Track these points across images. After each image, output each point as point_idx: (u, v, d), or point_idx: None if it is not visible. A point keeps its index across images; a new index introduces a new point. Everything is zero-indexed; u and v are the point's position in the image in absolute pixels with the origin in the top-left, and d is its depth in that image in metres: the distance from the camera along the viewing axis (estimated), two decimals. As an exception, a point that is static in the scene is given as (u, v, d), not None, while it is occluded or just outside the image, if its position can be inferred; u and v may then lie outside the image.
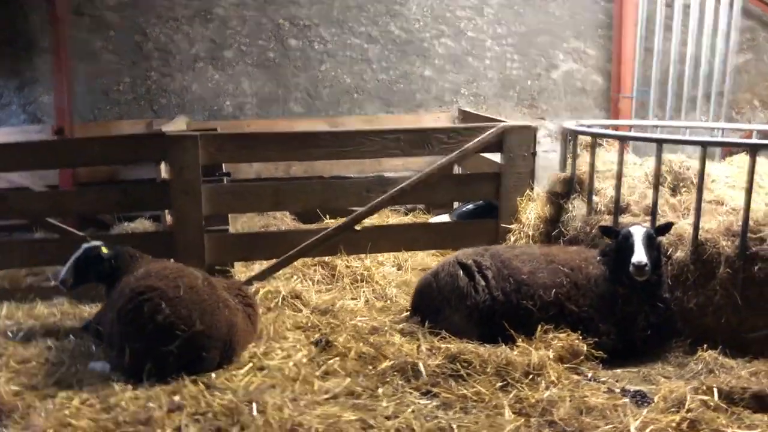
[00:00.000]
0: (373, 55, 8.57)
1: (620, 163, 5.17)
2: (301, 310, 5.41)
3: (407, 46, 8.61)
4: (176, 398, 4.01)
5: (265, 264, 5.99)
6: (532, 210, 6.02)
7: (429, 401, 3.93)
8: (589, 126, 6.55)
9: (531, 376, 4.10)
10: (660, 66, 8.38)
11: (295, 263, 6.05)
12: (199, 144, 5.50)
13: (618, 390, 4.11)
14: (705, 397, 3.87)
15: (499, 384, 4.07)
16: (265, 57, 8.41)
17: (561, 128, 6.06)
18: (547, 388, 3.98)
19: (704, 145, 4.75)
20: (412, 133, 5.94)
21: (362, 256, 6.13)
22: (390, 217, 8.17)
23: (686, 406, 3.74)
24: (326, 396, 4.03)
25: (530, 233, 5.89)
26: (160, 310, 4.28)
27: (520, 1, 8.69)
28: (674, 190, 5.61)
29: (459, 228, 6.49)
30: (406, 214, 8.34)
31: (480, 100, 8.79)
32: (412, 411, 3.79)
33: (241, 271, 6.25)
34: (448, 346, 4.43)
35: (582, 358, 4.40)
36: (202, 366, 4.35)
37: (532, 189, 6.13)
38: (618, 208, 5.22)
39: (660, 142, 4.94)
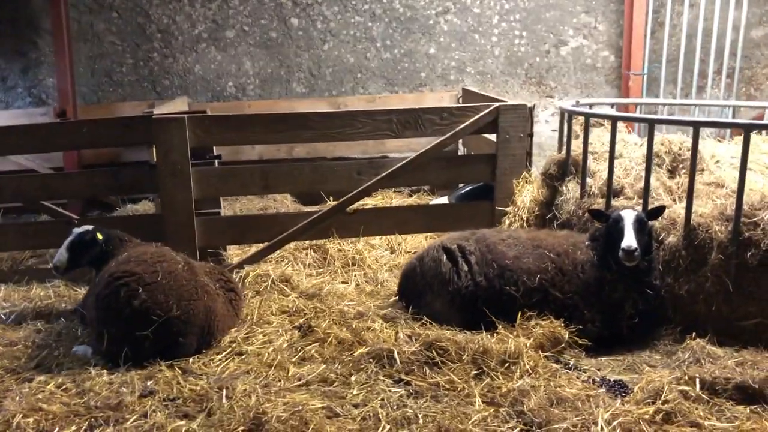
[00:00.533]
0: (377, 34, 8.43)
1: (612, 143, 5.00)
2: (289, 294, 5.39)
3: (412, 23, 8.44)
4: (149, 383, 4.03)
5: (255, 247, 5.96)
6: (528, 193, 5.89)
7: (400, 389, 3.87)
8: (590, 106, 6.40)
9: (507, 365, 4.02)
10: (671, 41, 8.09)
11: (288, 247, 6.02)
12: (187, 126, 5.47)
13: (598, 379, 4.00)
14: (686, 388, 3.75)
15: (474, 372, 4.00)
16: (267, 37, 8.34)
17: (558, 108, 5.89)
18: (521, 377, 3.89)
19: (696, 125, 4.55)
20: (404, 114, 5.82)
21: (355, 239, 6.06)
22: (393, 199, 8.11)
23: (663, 398, 3.62)
24: (299, 383, 4.01)
25: (525, 216, 5.76)
26: (136, 295, 4.29)
27: (527, -25, 8.46)
28: (672, 172, 5.43)
29: (453, 210, 6.39)
30: (410, 195, 8.26)
31: (486, 78, 8.60)
32: (382, 399, 3.74)
33: (236, 254, 6.26)
34: (427, 332, 4.35)
35: (563, 345, 4.30)
36: (179, 351, 4.36)
37: (529, 171, 5.99)
38: (610, 190, 5.06)
39: (652, 122, 4.76)
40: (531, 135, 6.07)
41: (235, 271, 5.69)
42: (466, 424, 3.42)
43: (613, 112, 6.49)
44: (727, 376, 3.83)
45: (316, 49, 8.40)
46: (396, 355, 4.11)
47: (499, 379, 3.90)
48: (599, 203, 5.10)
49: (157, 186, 5.55)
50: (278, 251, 5.96)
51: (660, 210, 4.64)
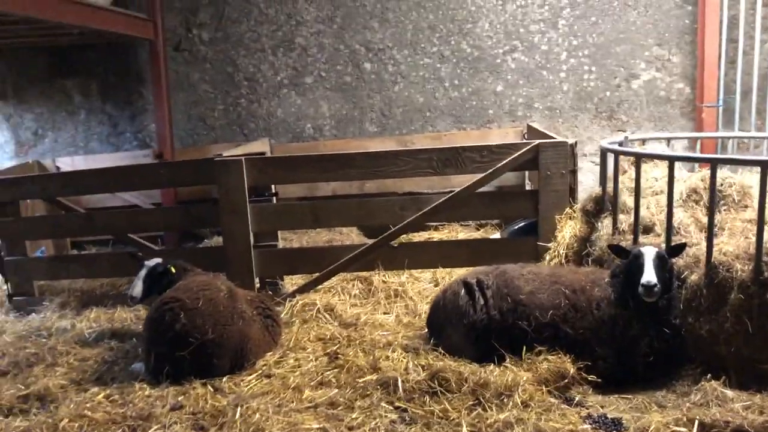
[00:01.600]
0: (445, 74, 8.76)
1: (637, 180, 5.00)
2: (329, 323, 5.76)
3: (479, 62, 8.70)
4: (181, 398, 4.52)
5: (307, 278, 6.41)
6: (570, 228, 5.93)
7: (397, 415, 4.11)
8: (643, 141, 6.36)
9: (502, 397, 4.14)
10: (745, 72, 7.80)
11: (336, 278, 6.41)
12: (244, 167, 6.05)
13: (595, 416, 4.03)
14: (682, 430, 3.73)
15: (471, 403, 4.15)
16: (342, 81, 8.90)
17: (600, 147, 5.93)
18: (511, 409, 4.00)
19: (714, 162, 4.48)
20: (444, 152, 6.08)
21: (399, 272, 6.35)
22: (460, 232, 8.33)
23: (654, 438, 3.63)
24: (308, 405, 4.34)
25: (563, 252, 5.81)
26: (177, 319, 4.83)
27: (597, 11, 8.46)
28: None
29: (497, 245, 6.52)
30: (478, 229, 8.44)
31: (555, 113, 8.66)
32: (376, 424, 4.00)
33: (298, 283, 6.70)
34: (436, 363, 4.55)
35: (568, 381, 4.34)
36: (213, 371, 4.84)
37: (572, 207, 6.04)
38: (637, 227, 5.04)
39: (672, 160, 4.73)
40: (574, 171, 6.12)
41: (288, 299, 6.17)
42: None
43: (662, 147, 6.40)
44: (728, 419, 3.76)
45: (387, 91, 8.85)
46: (400, 383, 4.36)
47: (491, 410, 4.03)
48: (629, 240, 5.09)
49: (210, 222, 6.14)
50: (327, 282, 6.36)
51: (681, 247, 4.60)
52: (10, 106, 9.52)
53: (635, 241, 5.01)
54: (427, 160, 6.07)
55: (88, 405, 4.48)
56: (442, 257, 6.30)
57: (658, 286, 4.32)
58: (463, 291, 4.96)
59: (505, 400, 4.11)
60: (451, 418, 4.01)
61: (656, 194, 5.65)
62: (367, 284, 6.37)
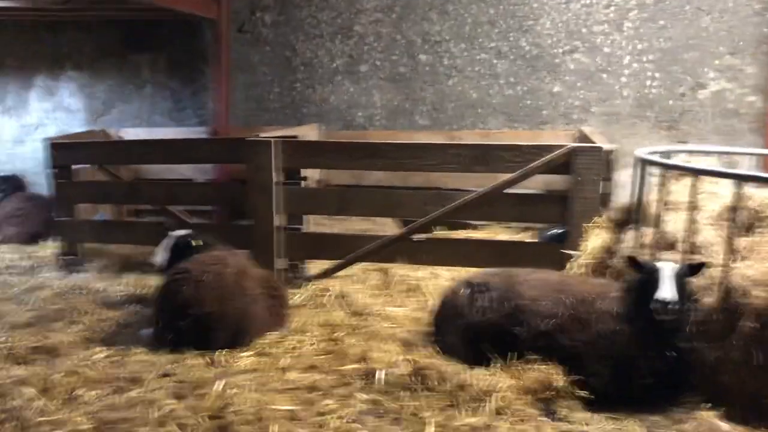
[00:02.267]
0: (501, 71, 8.56)
1: (663, 193, 4.72)
2: (340, 310, 5.77)
3: (537, 61, 8.45)
4: (172, 366, 4.65)
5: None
6: (597, 238, 5.68)
7: (370, 407, 4.07)
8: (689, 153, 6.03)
9: (479, 401, 4.02)
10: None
11: (357, 267, 6.40)
12: (273, 149, 6.13)
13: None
14: (660, 458, 3.50)
15: (447, 403, 4.06)
16: (397, 71, 8.86)
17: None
18: (482, 414, 3.88)
19: (738, 178, 4.18)
20: (474, 149, 5.96)
21: (418, 267, 6.27)
22: (500, 233, 8.15)
23: (625, 463, 3.43)
24: (289, 386, 4.36)
25: (586, 262, 5.57)
26: (182, 291, 4.96)
27: (667, 15, 8.04)
28: (748, 230, 4.94)
29: (521, 248, 6.35)
30: (519, 232, 8.21)
31: (612, 119, 8.31)
32: (346, 412, 3.97)
33: (315, 267, 6.75)
34: (422, 360, 4.47)
35: (553, 393, 4.16)
36: (210, 344, 4.94)
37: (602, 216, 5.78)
38: (659, 242, 4.77)
39: (696, 173, 4.43)
40: (609, 179, 5.86)
41: (307, 283, 6.23)
42: (395, 446, 3.55)
43: (714, 162, 6.02)
44: (711, 453, 3.51)
45: (440, 84, 8.74)
46: (382, 376, 4.31)
47: (463, 413, 3.92)
48: (640, 255, 4.82)
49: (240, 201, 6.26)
50: (348, 270, 6.36)
51: (701, 266, 4.31)
52: (86, 76, 10.04)
53: (653, 255, 4.75)
54: (456, 155, 5.96)
55: (86, 363, 4.68)
56: (464, 256, 6.17)
57: (674, 303, 4.07)
58: (464, 290, 4.85)
59: (481, 404, 3.99)
60: (421, 416, 3.93)
61: (695, 209, 5.32)
62: (385, 276, 6.34)
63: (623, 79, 8.24)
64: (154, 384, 4.37)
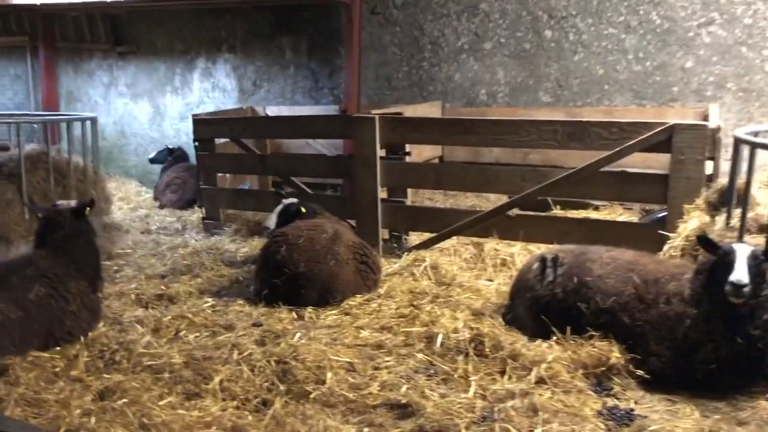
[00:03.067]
0: (630, 46, 8.23)
1: (749, 172, 4.47)
2: (430, 279, 6.04)
3: (668, 35, 8.02)
4: (263, 318, 5.21)
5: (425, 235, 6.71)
6: (695, 220, 5.44)
7: (424, 366, 4.34)
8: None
9: (527, 371, 4.13)
10: None
11: (453, 240, 6.61)
12: (377, 125, 6.49)
13: (612, 406, 3.86)
14: (698, 440, 3.46)
15: (497, 369, 4.23)
16: (521, 48, 8.83)
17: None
18: (521, 381, 4.01)
19: (823, 158, 3.87)
20: (570, 126, 5.92)
21: (512, 243, 6.36)
22: (622, 214, 7.93)
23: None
24: (359, 343, 4.74)
25: (680, 244, 5.36)
26: (279, 252, 5.51)
27: (821, -21, 7.29)
28: None
29: (617, 228, 6.20)
30: (646, 212, 7.92)
31: (751, 96, 7.70)
32: (401, 369, 4.27)
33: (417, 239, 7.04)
34: (484, 328, 4.63)
35: (606, 369, 4.16)
36: (301, 300, 5.45)
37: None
38: (744, 226, 4.53)
39: (753, 146, 4.10)
40: (713, 158, 5.57)
41: (406, 253, 6.56)
42: (428, 398, 3.80)
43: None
44: (752, 441, 3.39)
45: (565, 60, 8.59)
46: (439, 339, 4.55)
47: (506, 379, 4.07)
48: (731, 238, 4.59)
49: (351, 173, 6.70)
50: (444, 243, 6.60)
51: (780, 250, 4.08)
52: (238, 58, 11.01)
53: (740, 238, 4.51)
54: (552, 132, 5.96)
55: (193, 309, 5.38)
56: (560, 233, 6.14)
57: (749, 286, 3.91)
58: (536, 265, 4.93)
59: (529, 373, 4.11)
60: (469, 379, 4.13)
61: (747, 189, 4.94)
62: (479, 250, 6.48)
63: (766, 52, 7.60)
64: (243, 331, 4.95)
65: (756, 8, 7.59)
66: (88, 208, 5.24)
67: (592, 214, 7.90)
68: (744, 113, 7.69)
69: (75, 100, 12.73)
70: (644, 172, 6.16)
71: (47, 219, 5.08)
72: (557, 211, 7.24)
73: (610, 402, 3.95)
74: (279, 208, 6.39)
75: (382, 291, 5.76)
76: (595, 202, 8.05)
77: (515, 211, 6.32)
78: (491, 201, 8.08)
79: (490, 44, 9.01)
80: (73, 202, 5.37)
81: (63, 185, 7.03)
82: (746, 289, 3.88)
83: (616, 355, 4.22)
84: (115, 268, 6.81)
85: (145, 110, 12.12)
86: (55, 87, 12.47)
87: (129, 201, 10.48)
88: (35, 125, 11.21)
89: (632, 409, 3.85)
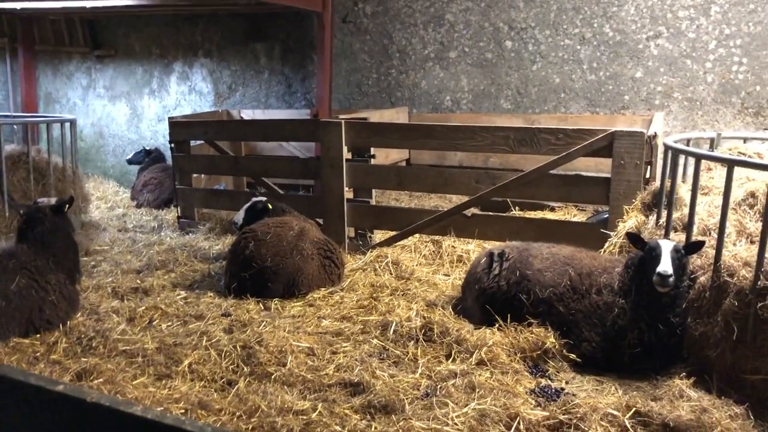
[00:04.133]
0: (584, 56, 8.73)
1: (673, 177, 4.93)
2: (391, 274, 6.45)
3: (620, 47, 8.53)
4: (232, 308, 5.59)
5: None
6: (633, 220, 5.91)
7: (378, 351, 4.74)
8: (744, 140, 6.05)
9: (470, 354, 4.56)
10: None
11: (414, 238, 7.03)
12: (343, 129, 6.89)
13: (544, 385, 4.29)
14: (615, 413, 3.89)
15: (443, 353, 4.65)
16: (483, 57, 9.29)
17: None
18: (463, 363, 4.43)
19: (731, 163, 4.34)
20: (521, 132, 6.36)
21: (468, 240, 6.79)
22: (576, 215, 8.40)
23: (579, 414, 3.85)
24: (319, 331, 5.13)
25: (620, 242, 5.83)
26: (247, 247, 5.89)
27: (758, -2, 7.83)
28: (772, 216, 5.01)
29: (564, 227, 6.63)
30: (596, 212, 8.40)
31: (695, 105, 8.23)
32: (356, 353, 4.67)
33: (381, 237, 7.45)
34: (433, 317, 5.05)
35: (542, 352, 4.60)
36: (267, 293, 5.83)
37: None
38: (669, 224, 5.00)
39: (731, 163, 4.52)
40: (650, 162, 6.04)
41: (370, 250, 6.96)
42: (378, 378, 4.21)
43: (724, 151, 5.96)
44: (662, 412, 3.84)
45: (525, 70, 9.06)
46: (393, 326, 4.96)
47: (449, 362, 4.50)
48: (659, 236, 5.06)
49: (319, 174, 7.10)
50: (406, 240, 7.02)
51: (699, 245, 4.56)
52: (214, 62, 11.36)
53: (666, 235, 4.98)
54: (504, 138, 6.40)
55: (166, 301, 5.74)
56: (511, 232, 6.59)
57: (673, 277, 4.37)
58: (484, 260, 5.36)
59: (471, 356, 4.53)
60: (417, 361, 4.54)
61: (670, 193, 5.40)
62: (437, 247, 6.91)
63: (708, 65, 8.13)
64: (213, 320, 5.32)
65: (699, 23, 8.12)
66: (67, 206, 5.58)
67: (548, 215, 8.37)
68: (689, 121, 8.22)
69: (54, 101, 12.99)
70: (588, 175, 6.60)
71: (28, 215, 5.41)
72: (515, 212, 7.67)
73: (544, 382, 4.38)
74: (247, 204, 6.78)
75: (345, 284, 6.17)
76: (551, 204, 8.52)
77: (471, 211, 6.75)
78: (453, 202, 8.49)
79: (454, 53, 9.46)
80: (53, 200, 5.70)
81: (42, 184, 7.34)
82: (671, 279, 4.35)
83: (551, 340, 4.66)
84: (93, 263, 7.13)
85: (122, 112, 12.42)
86: (34, 89, 12.72)
87: (107, 200, 10.78)
88: (15, 126, 11.46)
89: (563, 388, 4.28)
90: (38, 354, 4.66)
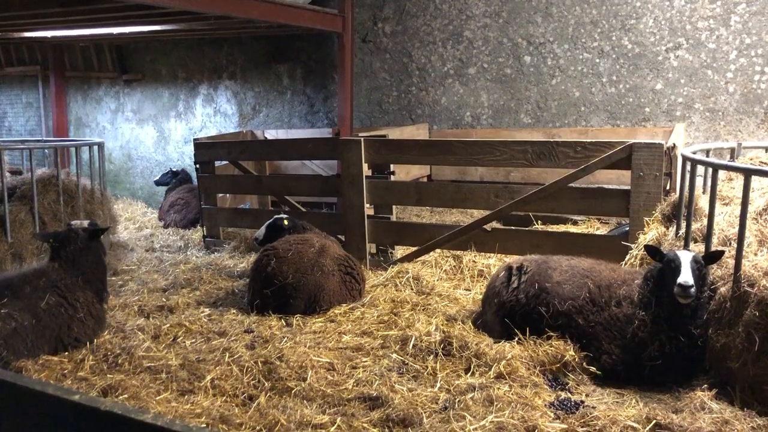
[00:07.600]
0: (604, 69, 8.73)
1: (691, 188, 4.92)
2: (412, 289, 6.49)
3: (639, 59, 8.52)
4: (254, 325, 5.67)
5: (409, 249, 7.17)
6: (654, 231, 5.89)
7: (397, 365, 4.77)
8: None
9: (489, 368, 4.57)
10: None
11: (435, 253, 7.07)
12: (362, 147, 6.99)
13: (564, 397, 4.28)
14: (635, 425, 3.88)
15: (463, 367, 4.66)
16: (503, 73, 9.34)
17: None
18: (482, 377, 4.44)
19: (748, 173, 4.32)
20: (539, 145, 6.39)
21: (489, 255, 6.81)
22: (599, 228, 8.37)
23: (599, 426, 3.85)
24: (340, 346, 5.18)
25: (639, 254, 5.80)
26: (269, 264, 5.98)
27: (779, 6, 7.78)
28: (793, 225, 4.96)
29: (584, 240, 6.62)
30: (618, 225, 8.36)
31: (717, 115, 8.17)
32: (375, 368, 4.71)
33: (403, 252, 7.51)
34: (454, 331, 5.08)
35: (562, 366, 4.59)
36: (289, 309, 5.90)
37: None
38: (689, 235, 4.97)
39: (748, 173, 4.50)
40: (670, 174, 6.02)
41: (391, 265, 7.02)
42: (397, 392, 4.24)
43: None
44: (683, 424, 3.81)
45: (544, 84, 9.09)
46: (413, 341, 4.99)
47: (469, 376, 4.51)
48: (678, 246, 5.03)
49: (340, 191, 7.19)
50: (426, 255, 7.06)
51: (718, 255, 4.54)
52: (238, 84, 11.58)
53: (686, 246, 4.95)
54: (522, 152, 6.43)
55: (191, 318, 5.84)
56: (531, 245, 6.58)
57: (695, 287, 4.35)
58: (503, 273, 5.38)
59: (490, 370, 4.54)
60: (436, 375, 4.57)
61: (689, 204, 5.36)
62: (458, 262, 6.93)
63: (729, 75, 8.08)
64: (235, 337, 5.40)
65: (719, 34, 8.08)
66: (101, 233, 5.70)
67: (570, 228, 8.35)
68: (711, 132, 8.16)
69: (84, 125, 13.33)
70: (608, 187, 6.59)
71: (63, 235, 5.53)
72: (536, 226, 7.67)
73: (564, 395, 4.37)
74: (268, 222, 6.89)
75: (366, 300, 6.22)
76: (573, 217, 8.50)
77: (491, 225, 6.78)
78: (474, 216, 8.49)
79: (473, 69, 9.52)
80: (85, 222, 5.84)
81: (72, 206, 7.54)
82: (692, 290, 4.32)
83: (571, 353, 4.65)
84: (120, 283, 7.29)
85: (150, 135, 12.69)
86: (65, 113, 13.08)
87: (135, 221, 11.01)
88: (46, 150, 11.77)
89: (582, 401, 4.27)
90: (66, 371, 4.78)
